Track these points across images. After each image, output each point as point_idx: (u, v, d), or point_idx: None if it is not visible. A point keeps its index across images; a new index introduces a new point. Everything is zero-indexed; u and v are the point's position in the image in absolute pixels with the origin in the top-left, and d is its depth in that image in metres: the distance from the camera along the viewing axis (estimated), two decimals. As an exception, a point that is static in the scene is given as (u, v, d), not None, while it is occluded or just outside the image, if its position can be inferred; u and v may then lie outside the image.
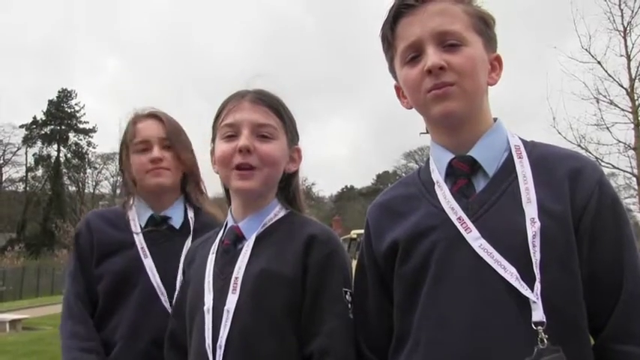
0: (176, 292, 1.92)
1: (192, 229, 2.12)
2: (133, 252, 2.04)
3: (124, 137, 2.16)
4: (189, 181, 2.20)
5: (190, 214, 2.17)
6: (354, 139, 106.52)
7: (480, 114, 1.46)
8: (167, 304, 1.96)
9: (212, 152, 1.77)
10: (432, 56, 1.37)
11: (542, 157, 1.42)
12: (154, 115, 2.17)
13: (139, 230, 2.08)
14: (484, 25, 1.45)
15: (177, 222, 2.14)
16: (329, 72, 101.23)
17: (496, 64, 1.49)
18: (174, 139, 2.14)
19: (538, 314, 1.25)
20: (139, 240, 2.06)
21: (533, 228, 1.30)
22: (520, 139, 1.48)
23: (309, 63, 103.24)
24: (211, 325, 1.58)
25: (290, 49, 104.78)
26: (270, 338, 1.54)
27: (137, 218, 2.12)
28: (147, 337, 1.92)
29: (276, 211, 1.73)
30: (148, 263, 2.01)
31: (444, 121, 1.44)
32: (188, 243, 2.06)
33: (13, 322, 16.77)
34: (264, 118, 1.68)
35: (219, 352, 1.54)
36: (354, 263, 1.64)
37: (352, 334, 1.56)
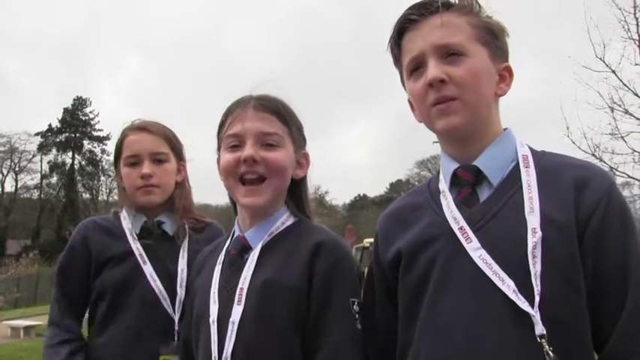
0: (178, 297, 1.98)
1: (187, 233, 2.15)
2: (132, 260, 2.07)
3: (116, 150, 2.20)
4: (177, 195, 2.21)
5: (184, 220, 2.19)
6: (370, 146, 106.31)
7: (486, 125, 1.45)
8: (169, 309, 2.00)
9: (218, 161, 1.74)
10: (432, 69, 1.38)
11: (549, 166, 1.40)
12: (145, 128, 2.18)
13: (136, 239, 2.11)
14: (491, 35, 1.44)
15: (170, 227, 2.17)
16: (357, 77, 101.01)
17: (506, 74, 1.46)
18: (164, 153, 2.17)
19: (539, 328, 1.22)
20: (137, 247, 2.09)
21: (534, 238, 1.27)
22: (530, 148, 1.46)
23: (337, 67, 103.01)
24: (217, 336, 1.56)
25: (320, 51, 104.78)
26: (275, 350, 1.51)
27: (132, 226, 2.14)
28: (150, 339, 1.95)
29: (284, 219, 1.70)
30: (148, 269, 2.05)
31: (448, 135, 1.46)
32: (185, 246, 2.10)
33: (27, 329, 16.89)
34: (268, 127, 1.65)
35: None
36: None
37: (360, 345, 1.53)
